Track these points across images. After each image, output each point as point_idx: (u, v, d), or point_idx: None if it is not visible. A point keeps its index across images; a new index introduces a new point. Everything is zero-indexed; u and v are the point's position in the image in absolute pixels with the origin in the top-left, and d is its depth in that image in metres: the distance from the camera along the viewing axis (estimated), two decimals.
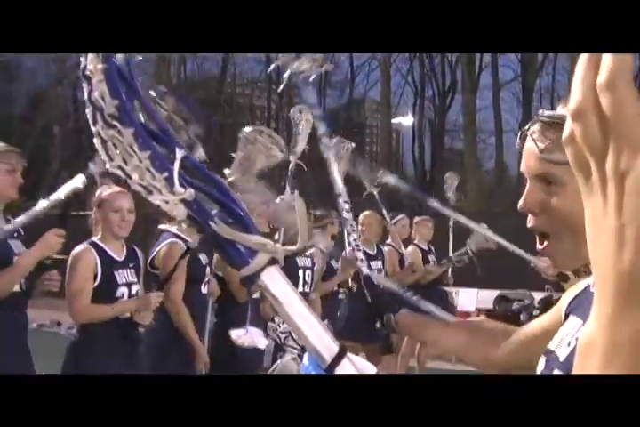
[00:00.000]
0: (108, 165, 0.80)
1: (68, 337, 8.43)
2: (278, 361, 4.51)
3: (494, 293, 11.00)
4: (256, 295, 4.90)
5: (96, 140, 0.80)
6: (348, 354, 0.87)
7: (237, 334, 4.64)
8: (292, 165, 4.91)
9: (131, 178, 0.79)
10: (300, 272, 5.44)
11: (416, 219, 7.67)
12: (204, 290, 4.56)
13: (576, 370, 0.91)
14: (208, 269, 4.58)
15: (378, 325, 1.76)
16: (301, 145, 4.91)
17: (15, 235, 3.77)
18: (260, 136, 3.53)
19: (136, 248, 4.11)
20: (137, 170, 0.79)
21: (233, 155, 3.44)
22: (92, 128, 0.80)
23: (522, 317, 10.39)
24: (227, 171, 3.22)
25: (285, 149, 3.87)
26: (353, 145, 4.28)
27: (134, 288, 3.92)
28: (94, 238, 3.87)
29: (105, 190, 3.90)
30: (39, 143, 24.73)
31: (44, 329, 11.48)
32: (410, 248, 7.28)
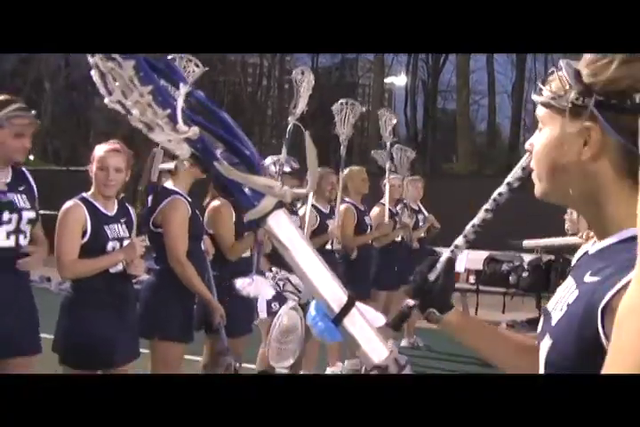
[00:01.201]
0: (106, 100, 0.75)
1: (58, 293, 8.43)
2: (279, 312, 4.52)
3: (484, 254, 11.02)
4: (246, 254, 4.90)
5: (94, 72, 0.75)
6: (358, 304, 0.84)
7: (243, 284, 4.63)
8: (290, 126, 4.85)
9: (131, 114, 0.74)
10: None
11: (407, 178, 7.64)
12: (203, 247, 4.56)
13: (615, 334, 0.89)
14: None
15: (413, 308, 1.69)
16: (301, 106, 4.87)
17: (21, 189, 3.73)
18: None
19: (127, 204, 4.07)
20: (138, 105, 0.74)
21: None
22: (90, 59, 0.75)
23: (511, 278, 10.44)
24: None
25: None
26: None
27: (126, 243, 3.88)
28: (85, 194, 3.83)
29: (100, 146, 3.84)
30: (30, 99, 24.48)
31: (34, 285, 11.46)
32: (375, 209, 7.21)
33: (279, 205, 0.77)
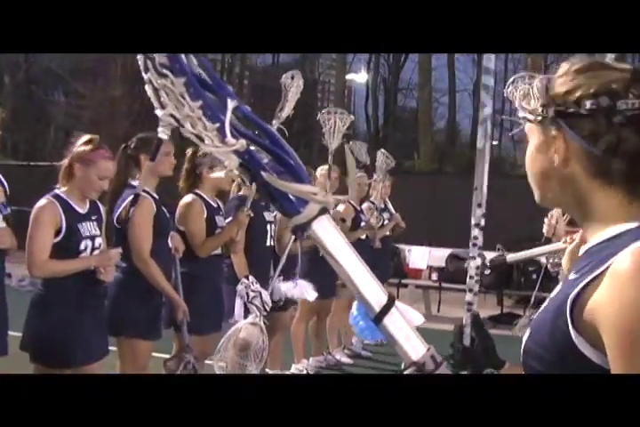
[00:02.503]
0: (160, 113, 0.80)
1: (19, 289, 8.32)
2: (238, 325, 4.55)
3: (446, 251, 11.17)
4: (217, 251, 4.91)
5: (148, 88, 0.80)
6: (397, 303, 0.89)
7: (288, 287, 4.69)
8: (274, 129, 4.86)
9: (183, 126, 0.80)
10: (268, 226, 5.48)
11: (385, 181, 7.77)
12: (170, 244, 4.54)
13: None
14: (171, 222, 4.56)
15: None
16: (287, 111, 4.88)
17: None
18: None
19: (97, 201, 4.04)
20: (189, 119, 0.79)
21: None
22: (144, 76, 0.80)
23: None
24: None
25: None
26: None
27: (97, 241, 3.85)
28: (58, 191, 3.78)
29: (90, 148, 3.78)
30: None
31: None
32: (341, 206, 7.41)
33: (323, 211, 0.82)
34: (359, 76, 32.62)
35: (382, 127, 33.73)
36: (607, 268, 1.10)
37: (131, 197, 4.18)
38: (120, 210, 4.20)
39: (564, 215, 3.96)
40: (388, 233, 8.07)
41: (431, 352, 0.95)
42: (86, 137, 3.80)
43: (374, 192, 7.76)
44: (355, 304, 0.95)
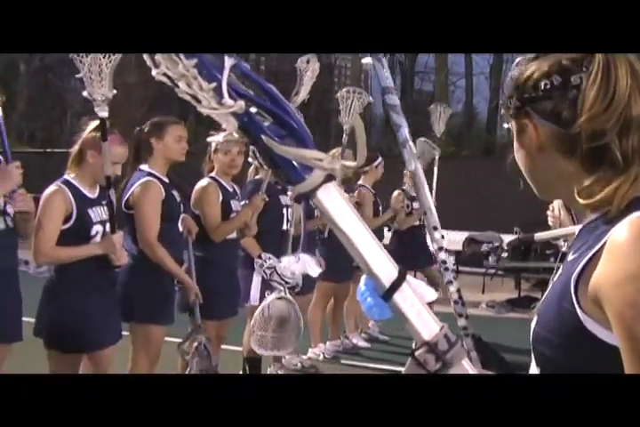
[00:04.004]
0: (153, 72, 0.74)
1: (36, 276, 8.33)
2: (265, 302, 4.52)
3: (464, 234, 11.10)
4: (233, 235, 4.87)
5: None
6: (408, 278, 0.83)
7: (289, 261, 4.62)
8: None
9: (178, 86, 0.74)
10: (284, 210, 5.42)
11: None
12: (180, 227, 4.51)
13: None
14: (182, 206, 4.52)
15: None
16: (303, 95, 4.84)
17: None
18: None
19: None
20: (184, 78, 0.73)
21: None
22: None
23: (490, 259, 10.50)
24: None
25: None
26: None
27: (108, 226, 3.85)
28: (68, 177, 3.75)
29: (111, 137, 3.74)
30: (4, 81, 24.15)
31: None
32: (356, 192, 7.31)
33: (329, 178, 0.76)
34: (367, 59, 32.39)
35: None
36: (605, 242, 1.08)
37: (139, 182, 4.16)
38: (128, 195, 4.18)
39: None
40: (417, 223, 7.83)
41: (444, 331, 0.89)
42: (96, 122, 3.74)
43: (408, 180, 7.59)
44: (363, 278, 0.88)
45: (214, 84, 0.74)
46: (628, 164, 1.15)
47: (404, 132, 2.11)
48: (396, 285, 0.82)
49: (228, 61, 0.74)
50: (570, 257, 1.20)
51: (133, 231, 4.22)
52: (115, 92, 3.62)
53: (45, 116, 26.93)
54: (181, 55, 0.73)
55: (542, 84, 1.20)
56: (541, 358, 1.20)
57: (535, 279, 10.98)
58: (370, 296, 0.87)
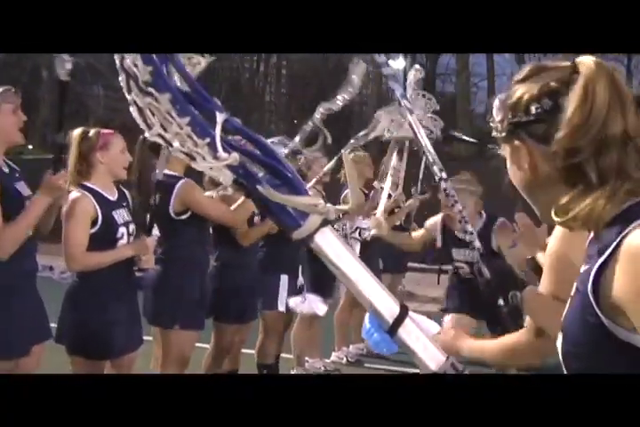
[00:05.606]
0: (147, 134, 0.77)
1: (60, 282, 8.37)
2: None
3: None
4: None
5: (132, 109, 0.77)
6: (411, 313, 0.86)
7: (296, 302, 4.78)
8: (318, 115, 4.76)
9: (172, 146, 0.77)
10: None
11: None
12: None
13: None
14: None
15: (500, 302, 1.70)
16: (352, 93, 4.79)
17: (17, 176, 3.68)
18: None
19: (122, 188, 4.01)
20: (178, 137, 0.76)
21: None
22: (128, 97, 0.77)
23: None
24: None
25: None
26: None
27: (131, 227, 3.82)
28: (87, 183, 3.76)
29: (101, 133, 3.76)
30: (28, 88, 24.31)
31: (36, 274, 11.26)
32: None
33: (325, 222, 0.79)
34: (396, 63, 31.89)
35: None
36: (616, 247, 1.08)
37: (180, 185, 4.11)
38: (174, 201, 4.12)
39: None
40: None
41: (451, 361, 0.91)
42: (78, 130, 3.78)
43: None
44: (366, 317, 0.91)
45: (208, 140, 0.77)
46: (602, 181, 1.14)
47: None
48: (399, 320, 0.84)
49: (220, 117, 0.77)
50: (582, 268, 1.19)
51: (178, 237, 4.20)
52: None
53: (67, 123, 27.00)
54: (174, 114, 0.76)
55: (533, 107, 1.21)
56: (574, 373, 1.20)
57: None
58: (376, 332, 0.90)
